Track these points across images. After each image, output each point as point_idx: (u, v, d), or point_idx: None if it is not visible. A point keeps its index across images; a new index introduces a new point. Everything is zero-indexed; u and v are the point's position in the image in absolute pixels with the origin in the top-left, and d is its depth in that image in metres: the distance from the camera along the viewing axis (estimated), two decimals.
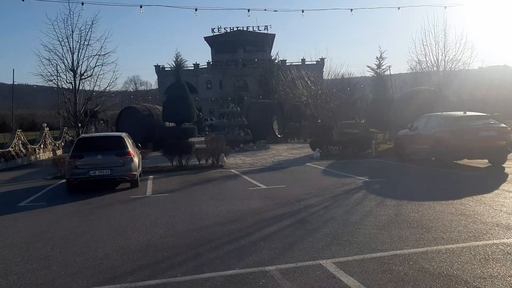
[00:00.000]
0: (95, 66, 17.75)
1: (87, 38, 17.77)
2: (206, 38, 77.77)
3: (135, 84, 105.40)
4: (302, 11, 17.42)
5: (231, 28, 76.42)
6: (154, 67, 72.35)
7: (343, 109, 37.16)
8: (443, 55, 20.42)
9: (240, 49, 76.61)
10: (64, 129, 33.00)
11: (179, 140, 17.61)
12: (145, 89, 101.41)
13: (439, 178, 12.53)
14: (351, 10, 18.39)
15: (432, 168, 14.24)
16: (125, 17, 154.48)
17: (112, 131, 33.94)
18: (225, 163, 17.79)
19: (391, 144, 23.27)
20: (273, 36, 77.56)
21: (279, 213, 8.62)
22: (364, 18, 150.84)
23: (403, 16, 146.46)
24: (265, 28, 76.16)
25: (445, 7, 18.54)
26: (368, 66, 27.95)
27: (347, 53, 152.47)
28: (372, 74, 28.03)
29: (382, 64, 27.44)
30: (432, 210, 8.22)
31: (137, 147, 15.18)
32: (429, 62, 20.91)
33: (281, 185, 12.19)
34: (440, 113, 15.53)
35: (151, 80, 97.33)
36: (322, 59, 54.21)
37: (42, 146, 27.11)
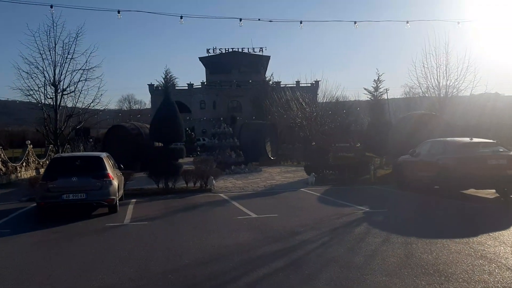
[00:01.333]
0: (78, 81, 16.71)
1: (70, 51, 16.79)
2: (201, 59, 77.29)
3: (129, 103, 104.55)
4: (301, 22, 16.50)
5: (226, 49, 76.07)
6: (148, 86, 71.44)
7: (337, 132, 36.46)
8: (445, 78, 19.62)
9: (235, 70, 76.11)
10: (50, 147, 31.70)
11: (166, 161, 16.48)
12: (140, 108, 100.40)
13: (446, 210, 11.49)
14: (355, 22, 17.45)
15: (436, 198, 13.20)
16: (121, 36, 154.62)
17: (100, 150, 32.76)
18: (214, 187, 16.66)
19: (388, 169, 22.30)
20: (267, 58, 77.30)
21: (271, 251, 7.49)
22: (360, 42, 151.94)
23: (400, 41, 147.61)
24: (260, 50, 75.90)
25: (458, 23, 17.61)
26: (365, 89, 27.36)
27: (341, 77, 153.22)
28: (369, 97, 27.29)
29: (380, 87, 26.71)
30: (447, 250, 7.14)
31: (119, 168, 14.06)
32: (430, 86, 20.09)
33: (274, 214, 11.07)
34: (444, 138, 14.60)
35: (146, 99, 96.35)
36: (317, 82, 53.42)
37: (24, 164, 25.78)
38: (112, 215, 11.63)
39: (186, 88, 72.41)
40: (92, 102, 16.81)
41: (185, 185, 17.15)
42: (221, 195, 15.36)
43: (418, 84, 20.71)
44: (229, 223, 10.12)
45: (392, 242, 7.79)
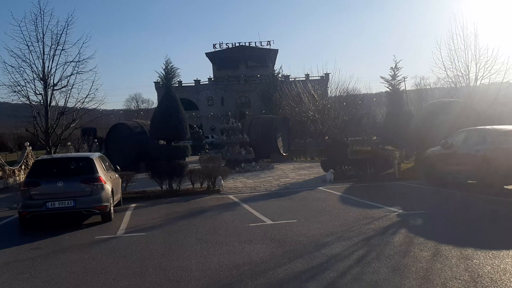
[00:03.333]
0: (70, 75, 15.19)
1: (61, 42, 15.26)
2: (208, 54, 75.76)
3: (137, 102, 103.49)
4: None
5: (233, 44, 74.45)
6: (154, 83, 70.00)
7: (350, 125, 34.69)
8: (474, 60, 17.73)
9: (242, 65, 74.47)
10: (53, 149, 30.34)
11: (169, 161, 14.99)
12: (147, 107, 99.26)
13: (495, 209, 9.79)
14: None
15: (477, 195, 11.48)
16: (127, 34, 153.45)
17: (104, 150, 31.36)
18: (223, 188, 15.12)
19: (409, 162, 20.62)
20: (276, 51, 75.56)
21: (294, 272, 5.89)
22: (370, 33, 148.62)
23: (411, 33, 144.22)
24: (267, 43, 74.17)
25: None
26: (381, 77, 25.35)
27: (353, 68, 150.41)
28: (386, 86, 25.44)
29: (397, 74, 24.86)
30: None
31: (115, 169, 12.56)
32: (458, 70, 18.21)
33: (291, 220, 9.47)
34: (483, 127, 12.86)
35: (154, 98, 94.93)
36: (327, 74, 51.49)
37: (23, 167, 24.47)
38: (105, 225, 10.13)
39: (193, 84, 70.96)
40: (86, 97, 15.30)
41: (191, 186, 15.70)
42: (231, 196, 13.81)
43: (444, 69, 18.85)
44: (240, 232, 8.55)
45: (446, 256, 6.15)
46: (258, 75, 68.25)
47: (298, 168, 22.48)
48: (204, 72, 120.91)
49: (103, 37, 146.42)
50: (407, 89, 49.31)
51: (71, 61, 15.34)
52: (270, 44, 73.81)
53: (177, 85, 69.64)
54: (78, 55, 15.52)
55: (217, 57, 74.52)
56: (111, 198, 10.55)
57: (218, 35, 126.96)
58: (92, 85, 15.39)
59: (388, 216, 9.31)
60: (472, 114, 17.10)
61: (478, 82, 17.86)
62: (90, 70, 15.55)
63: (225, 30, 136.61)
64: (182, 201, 13.55)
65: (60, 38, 15.28)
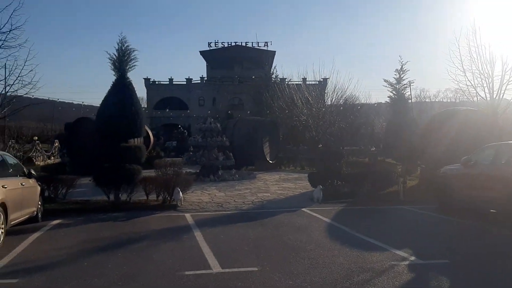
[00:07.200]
0: None
1: None
2: (202, 53, 72.64)
3: None
4: None
5: (229, 43, 71.42)
6: (143, 80, 66.75)
7: (347, 133, 31.68)
8: (502, 60, 14.70)
9: (238, 66, 71.38)
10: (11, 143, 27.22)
11: (116, 165, 11.87)
12: None
13: None
14: None
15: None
16: (121, 29, 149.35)
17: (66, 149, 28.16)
18: (182, 202, 12.00)
19: (412, 179, 17.54)
20: (273, 53, 72.39)
21: None
22: (371, 41, 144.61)
23: (417, 40, 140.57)
24: (265, 45, 71.23)
25: None
26: (385, 80, 22.30)
27: (351, 74, 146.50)
28: (390, 90, 22.36)
29: (403, 78, 21.85)
30: None
31: (29, 174, 9.41)
32: (481, 72, 15.14)
33: (251, 267, 6.31)
34: None
35: (143, 95, 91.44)
36: (325, 79, 48.29)
37: None
38: None
39: (185, 83, 67.81)
40: (16, 79, 12.13)
41: (145, 198, 12.60)
42: (187, 216, 10.66)
43: (462, 70, 15.79)
44: (166, 286, 5.39)
45: None
46: (253, 77, 65.20)
47: (284, 179, 19.34)
48: (197, 70, 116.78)
49: (96, 33, 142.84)
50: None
51: None
52: (267, 45, 70.94)
53: (167, 82, 66.95)
54: (10, 24, 12.42)
55: (212, 56, 71.47)
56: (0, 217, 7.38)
57: (214, 34, 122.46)
58: (24, 64, 12.25)
59: (395, 269, 6.17)
60: (496, 126, 14.08)
61: (504, 88, 14.77)
62: (19, 45, 12.44)
63: (221, 29, 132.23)
64: (121, 219, 10.39)
65: None
